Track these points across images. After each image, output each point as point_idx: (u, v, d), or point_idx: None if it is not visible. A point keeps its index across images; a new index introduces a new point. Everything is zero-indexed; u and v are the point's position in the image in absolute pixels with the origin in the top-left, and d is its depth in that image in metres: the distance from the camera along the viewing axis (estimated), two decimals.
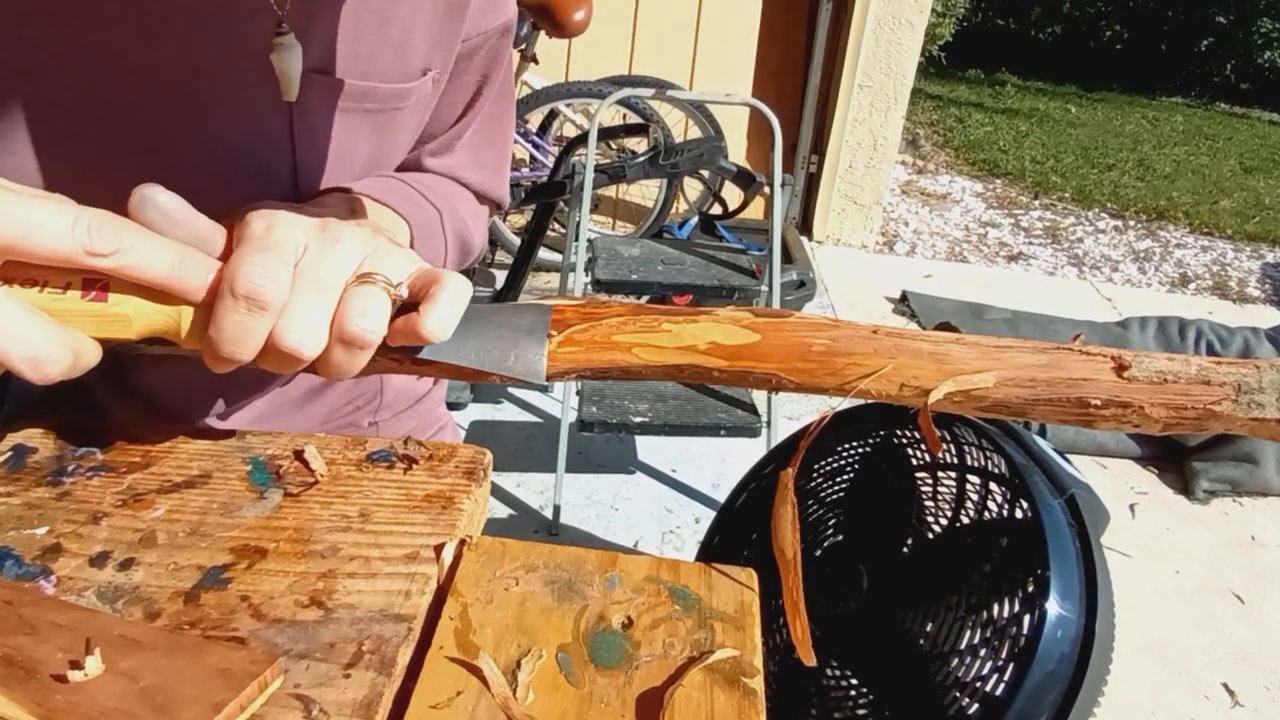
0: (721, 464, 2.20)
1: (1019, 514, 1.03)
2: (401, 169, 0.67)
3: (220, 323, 0.37)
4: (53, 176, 0.47)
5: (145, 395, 0.60)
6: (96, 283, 0.36)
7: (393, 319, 0.41)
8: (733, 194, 2.34)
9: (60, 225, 0.34)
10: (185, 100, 0.49)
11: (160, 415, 0.59)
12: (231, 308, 0.36)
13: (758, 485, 1.37)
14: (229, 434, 0.49)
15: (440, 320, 0.40)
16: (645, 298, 2.69)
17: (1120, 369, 0.42)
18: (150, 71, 0.47)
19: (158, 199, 0.37)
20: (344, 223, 0.41)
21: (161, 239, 0.36)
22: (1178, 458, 2.39)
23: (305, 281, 0.38)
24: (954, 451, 1.14)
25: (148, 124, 0.48)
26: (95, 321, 0.37)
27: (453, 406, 2.26)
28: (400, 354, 0.42)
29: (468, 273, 1.88)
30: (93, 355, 0.37)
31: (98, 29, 0.45)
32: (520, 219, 3.21)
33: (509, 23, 0.64)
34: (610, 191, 3.34)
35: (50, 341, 0.34)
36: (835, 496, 1.24)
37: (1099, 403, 0.42)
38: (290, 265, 0.38)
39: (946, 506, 1.12)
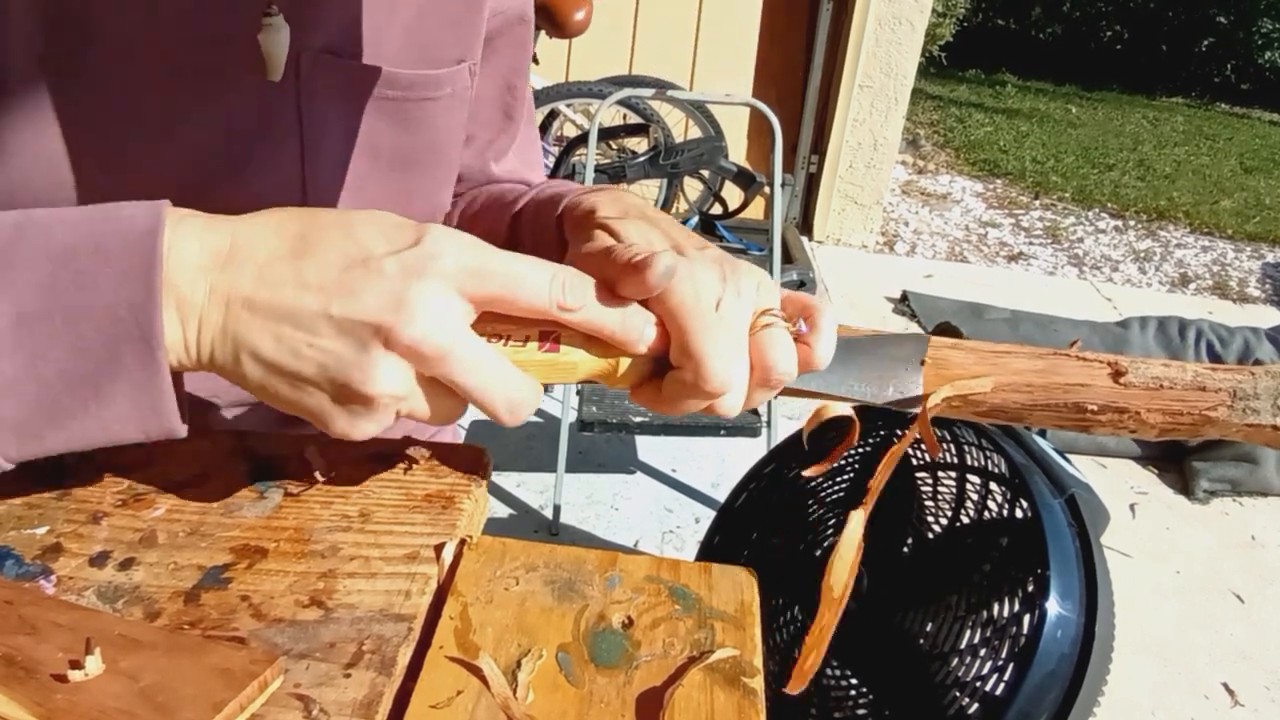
0: (721, 464, 2.20)
1: (1019, 514, 1.03)
2: (467, 175, 0.67)
3: (677, 401, 0.39)
4: (73, 165, 0.47)
5: None
6: (549, 335, 0.39)
7: None
8: (733, 194, 2.35)
9: (541, 281, 0.36)
10: (189, 79, 0.48)
11: None
12: (693, 394, 0.38)
13: (758, 485, 1.37)
14: (229, 434, 0.50)
15: (828, 348, 0.41)
16: None
17: (1117, 375, 0.42)
18: (154, 48, 0.47)
19: (674, 265, 0.38)
20: (734, 259, 0.42)
21: (613, 300, 0.38)
22: (1178, 458, 2.39)
23: (731, 344, 0.39)
24: (954, 451, 1.14)
25: (155, 107, 0.48)
26: (547, 370, 0.39)
27: None
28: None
29: None
30: (539, 397, 0.39)
31: (111, 12, 0.45)
32: None
33: (525, 9, 0.64)
34: None
35: (526, 389, 0.37)
36: (835, 496, 1.24)
37: (1095, 408, 0.42)
38: (724, 329, 0.39)
39: (946, 506, 1.12)
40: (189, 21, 0.47)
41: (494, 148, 0.67)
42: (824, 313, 0.42)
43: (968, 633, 0.99)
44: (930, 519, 1.13)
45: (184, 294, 0.34)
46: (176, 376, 0.36)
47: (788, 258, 2.98)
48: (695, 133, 3.03)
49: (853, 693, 1.09)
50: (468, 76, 0.59)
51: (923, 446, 1.17)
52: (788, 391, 0.43)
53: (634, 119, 2.76)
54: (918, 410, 0.44)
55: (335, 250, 0.35)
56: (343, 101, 0.54)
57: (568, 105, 2.97)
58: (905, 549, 1.12)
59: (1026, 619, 0.95)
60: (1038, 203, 4.83)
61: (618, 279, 0.39)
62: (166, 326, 0.34)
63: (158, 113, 0.48)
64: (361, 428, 0.36)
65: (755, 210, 3.19)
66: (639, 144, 2.64)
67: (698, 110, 2.98)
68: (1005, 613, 0.97)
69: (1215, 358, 2.58)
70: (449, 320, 0.34)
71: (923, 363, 0.43)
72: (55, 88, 0.46)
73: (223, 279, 0.34)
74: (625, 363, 0.40)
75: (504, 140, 0.68)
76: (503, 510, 1.97)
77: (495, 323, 0.38)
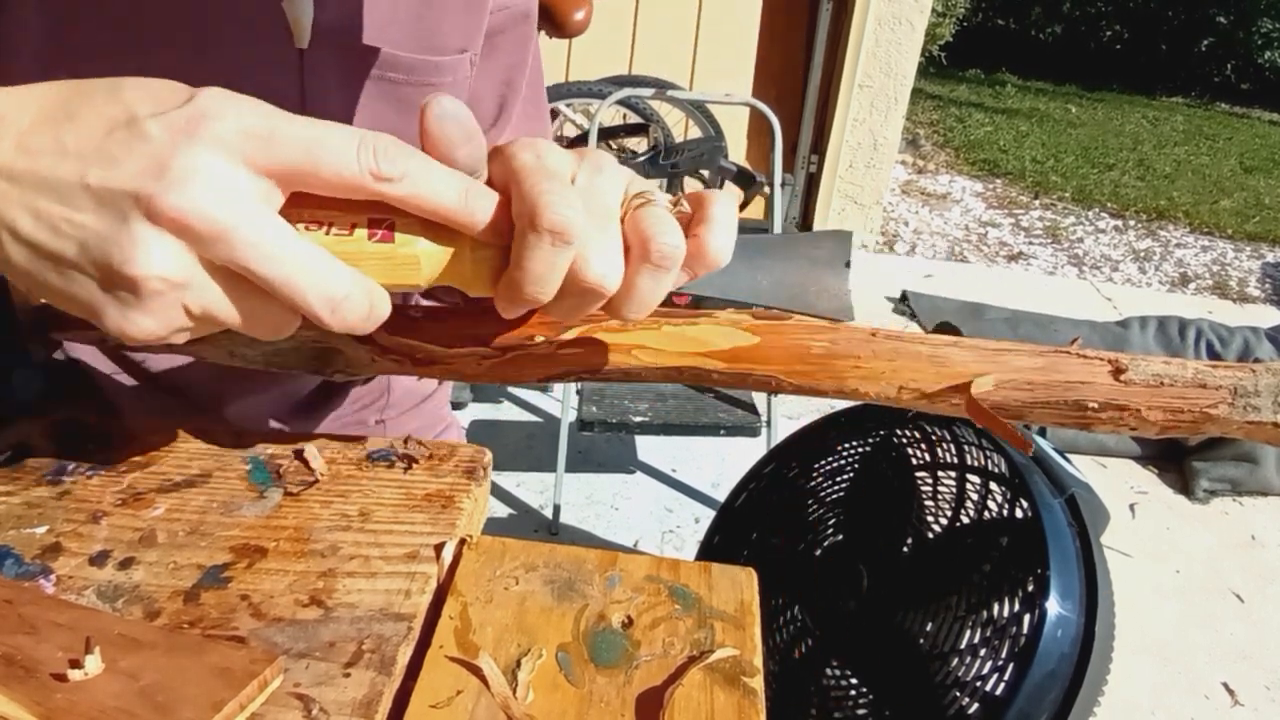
0: (721, 464, 2.20)
1: (1019, 514, 1.03)
2: None
3: (525, 262, 0.33)
4: None
5: (152, 394, 0.60)
6: (382, 223, 0.33)
7: None
8: (733, 194, 2.34)
9: (345, 147, 0.31)
10: (195, 48, 0.48)
11: (167, 414, 0.59)
12: (535, 243, 0.33)
13: (758, 485, 1.37)
14: (229, 434, 0.50)
15: (724, 238, 0.36)
16: None
17: (1117, 372, 0.42)
18: (165, 11, 0.47)
19: (451, 109, 0.33)
20: (591, 148, 0.38)
21: (442, 167, 0.33)
22: (1178, 457, 2.39)
23: (592, 210, 0.34)
24: (954, 451, 1.14)
25: (154, 74, 0.49)
26: (384, 266, 0.34)
27: (454, 406, 2.26)
28: (686, 289, 0.37)
29: None
30: (385, 305, 0.33)
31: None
32: None
33: (530, 6, 0.64)
34: None
35: (347, 282, 0.32)
36: (835, 496, 1.25)
37: (1096, 406, 0.42)
38: (579, 194, 0.34)
39: (946, 506, 1.12)
40: None
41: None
42: (717, 199, 0.36)
43: (968, 633, 0.99)
44: (930, 519, 1.13)
45: None
46: None
47: None
48: (695, 133, 3.03)
49: (853, 693, 1.09)
50: (468, 67, 0.59)
51: (922, 446, 1.18)
52: (697, 298, 0.38)
53: (634, 119, 2.76)
54: (929, 408, 0.44)
55: (98, 115, 0.30)
56: (344, 79, 0.53)
57: (568, 105, 2.97)
58: (905, 549, 1.12)
59: (1026, 619, 0.95)
60: (1038, 202, 4.83)
61: (423, 143, 0.34)
62: None
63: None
64: (136, 321, 0.30)
65: (755, 210, 3.19)
66: (639, 144, 2.64)
67: (698, 110, 2.98)
68: (1005, 613, 0.97)
69: (1215, 357, 2.58)
70: (228, 192, 0.29)
71: (847, 264, 0.39)
72: (58, 57, 0.46)
73: None
74: (478, 254, 0.35)
75: (494, 134, 0.68)
76: (502, 510, 1.97)
77: (313, 208, 0.33)
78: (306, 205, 0.33)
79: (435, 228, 0.34)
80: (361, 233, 0.33)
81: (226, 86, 0.44)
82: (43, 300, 0.32)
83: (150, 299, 0.30)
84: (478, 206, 0.34)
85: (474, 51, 0.59)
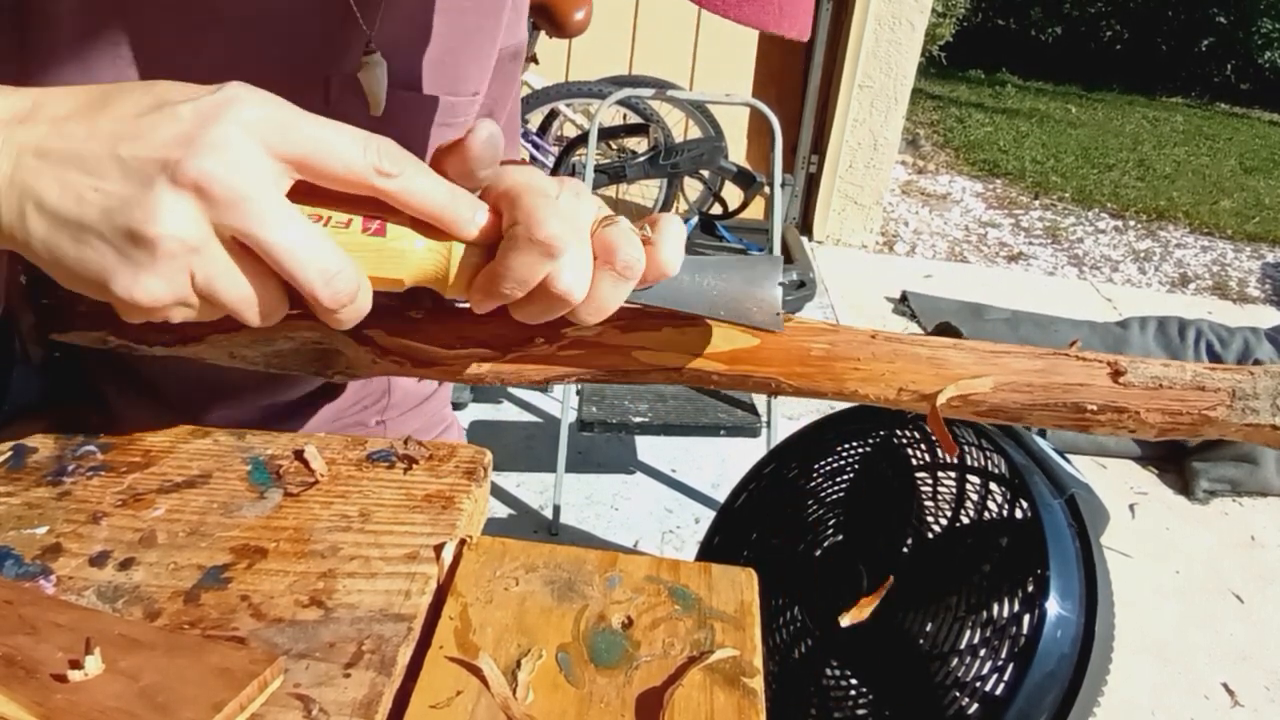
0: (721, 464, 2.20)
1: (1019, 514, 1.03)
2: None
3: (510, 263, 0.37)
4: None
5: (153, 394, 0.60)
6: (375, 218, 0.37)
7: None
8: (733, 194, 2.35)
9: (353, 143, 0.34)
10: None
11: (167, 414, 0.59)
12: (526, 249, 0.36)
13: (758, 485, 1.37)
14: (229, 434, 0.50)
15: (674, 250, 0.40)
16: None
17: (1116, 374, 0.42)
18: (200, 58, 0.48)
19: (497, 135, 0.37)
20: (571, 178, 0.42)
21: (434, 173, 0.37)
22: (1178, 458, 2.39)
23: (571, 227, 0.38)
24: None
25: None
26: (374, 258, 0.37)
27: (454, 406, 2.26)
28: (638, 299, 0.42)
29: None
30: (369, 295, 0.36)
31: (202, 49, 0.46)
32: None
33: (520, 46, 0.66)
34: (610, 191, 3.34)
35: (346, 265, 0.35)
36: (835, 496, 1.25)
37: (1095, 408, 0.42)
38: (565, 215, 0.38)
39: (946, 506, 1.12)
40: (288, 71, 0.48)
41: None
42: (665, 220, 0.41)
43: (968, 633, 0.99)
44: (930, 519, 1.13)
45: None
46: None
47: (788, 258, 2.98)
48: (695, 133, 3.03)
49: (853, 693, 1.09)
50: (476, 107, 0.61)
51: (922, 446, 1.18)
52: (647, 308, 0.43)
53: (634, 119, 2.76)
54: (928, 410, 0.44)
55: (133, 102, 0.33)
56: (370, 125, 0.55)
57: (568, 105, 2.97)
58: (905, 549, 1.12)
59: (1026, 619, 0.95)
60: (1037, 203, 4.83)
61: (444, 165, 0.38)
62: None
63: None
64: (145, 284, 0.32)
65: (755, 210, 3.19)
66: (639, 144, 2.64)
67: (698, 110, 2.98)
68: (1005, 613, 0.97)
69: (1215, 358, 2.58)
70: (246, 167, 0.32)
71: (781, 284, 0.43)
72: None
73: (18, 132, 0.33)
74: (458, 253, 0.38)
75: None
76: (502, 510, 1.97)
77: (315, 199, 0.36)
78: (309, 197, 0.35)
79: (424, 229, 0.37)
80: (356, 225, 0.36)
81: None
82: (51, 282, 0.34)
83: (163, 261, 0.32)
84: (465, 210, 0.37)
85: (484, 93, 0.61)
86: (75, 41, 0.45)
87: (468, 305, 0.41)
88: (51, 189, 0.32)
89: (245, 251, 0.34)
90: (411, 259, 0.37)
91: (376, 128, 0.55)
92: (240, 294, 0.34)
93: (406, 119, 0.56)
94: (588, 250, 0.39)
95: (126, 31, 0.46)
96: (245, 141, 0.32)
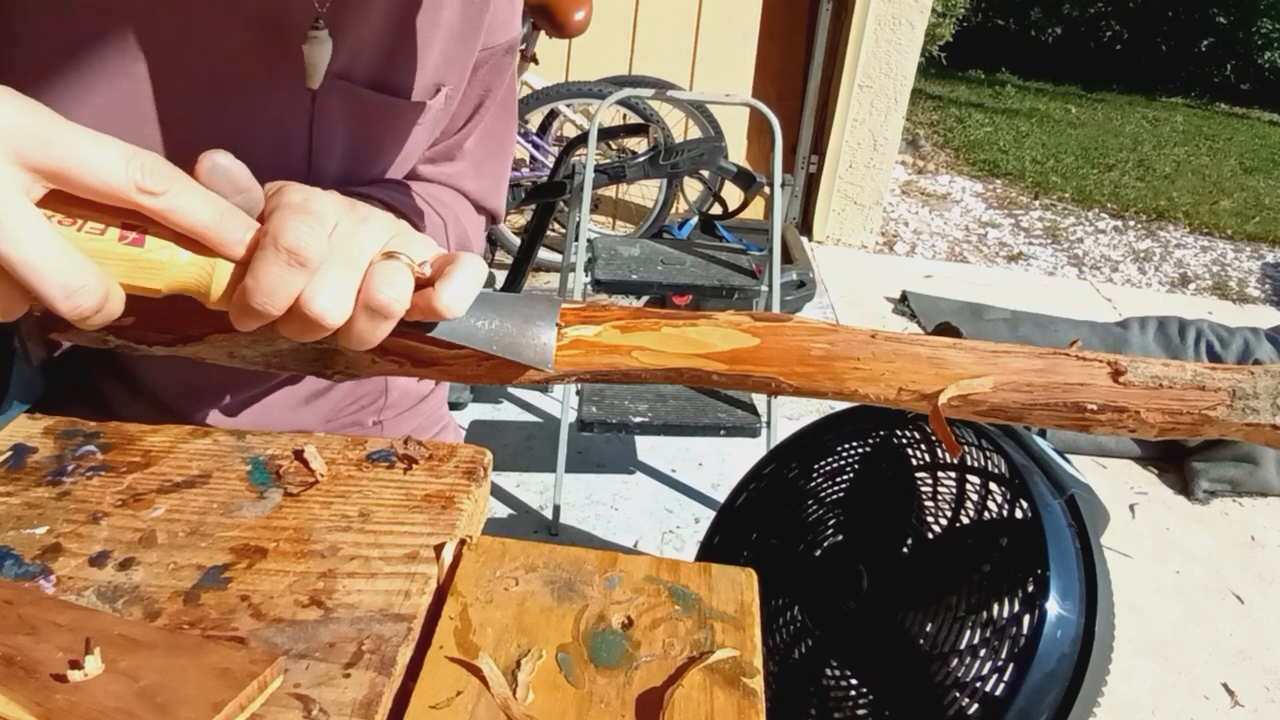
0: (721, 464, 2.20)
1: (1019, 514, 1.03)
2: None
3: (258, 273, 0.37)
4: None
5: (153, 393, 0.60)
6: (135, 228, 0.36)
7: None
8: (733, 194, 2.35)
9: (115, 158, 0.34)
10: (214, 89, 0.50)
11: (167, 413, 0.59)
12: (273, 259, 0.36)
13: (758, 485, 1.37)
14: (229, 434, 0.50)
15: (455, 295, 0.40)
16: (645, 298, 2.69)
17: (1116, 374, 0.42)
18: (187, 55, 0.48)
19: (225, 164, 0.37)
20: (371, 207, 0.42)
21: (205, 191, 0.37)
22: (1178, 458, 2.39)
23: (336, 253, 0.38)
24: None
25: (177, 112, 0.49)
26: (129, 267, 0.36)
27: (453, 406, 2.27)
28: (414, 331, 0.42)
29: None
30: (119, 303, 0.36)
31: (146, 12, 0.46)
32: (520, 219, 3.21)
33: (514, 41, 0.66)
34: (610, 191, 3.34)
35: (85, 273, 0.34)
36: (835, 496, 1.25)
37: (1095, 408, 0.42)
38: (328, 233, 0.38)
39: (946, 506, 1.12)
40: (226, 36, 0.48)
41: (435, 150, 0.69)
42: (460, 263, 0.41)
43: (968, 633, 0.99)
44: (930, 519, 1.13)
45: None
46: None
47: (788, 258, 2.98)
48: (695, 133, 3.03)
49: (853, 693, 1.09)
50: (444, 101, 0.61)
51: (922, 446, 1.18)
52: (416, 366, 0.43)
53: (634, 119, 2.76)
54: (927, 410, 0.44)
55: None
56: (351, 124, 0.56)
57: (567, 105, 2.97)
58: (905, 549, 1.12)
59: (1026, 619, 0.95)
60: (1037, 203, 4.83)
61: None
62: None
63: (176, 119, 0.50)
64: None
65: (755, 210, 3.19)
66: (639, 144, 2.64)
67: (698, 110, 2.97)
68: (1005, 613, 0.97)
69: (1215, 358, 2.58)
70: None
71: (556, 324, 0.44)
72: (68, 87, 0.46)
73: None
74: (223, 271, 0.38)
75: (464, 132, 0.69)
76: (502, 510, 1.97)
77: (71, 205, 0.35)
78: (66, 203, 0.35)
79: (186, 241, 0.37)
80: (113, 234, 0.36)
81: (241, 123, 0.48)
82: None
83: None
84: (231, 228, 0.37)
85: (450, 88, 0.61)
86: (63, 59, 0.46)
87: None
88: None
89: None
90: (170, 271, 0.37)
91: (356, 129, 0.56)
92: None
93: (379, 116, 0.57)
94: (353, 278, 0.39)
95: (111, 37, 0.46)
96: None
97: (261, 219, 0.39)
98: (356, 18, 0.52)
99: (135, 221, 0.36)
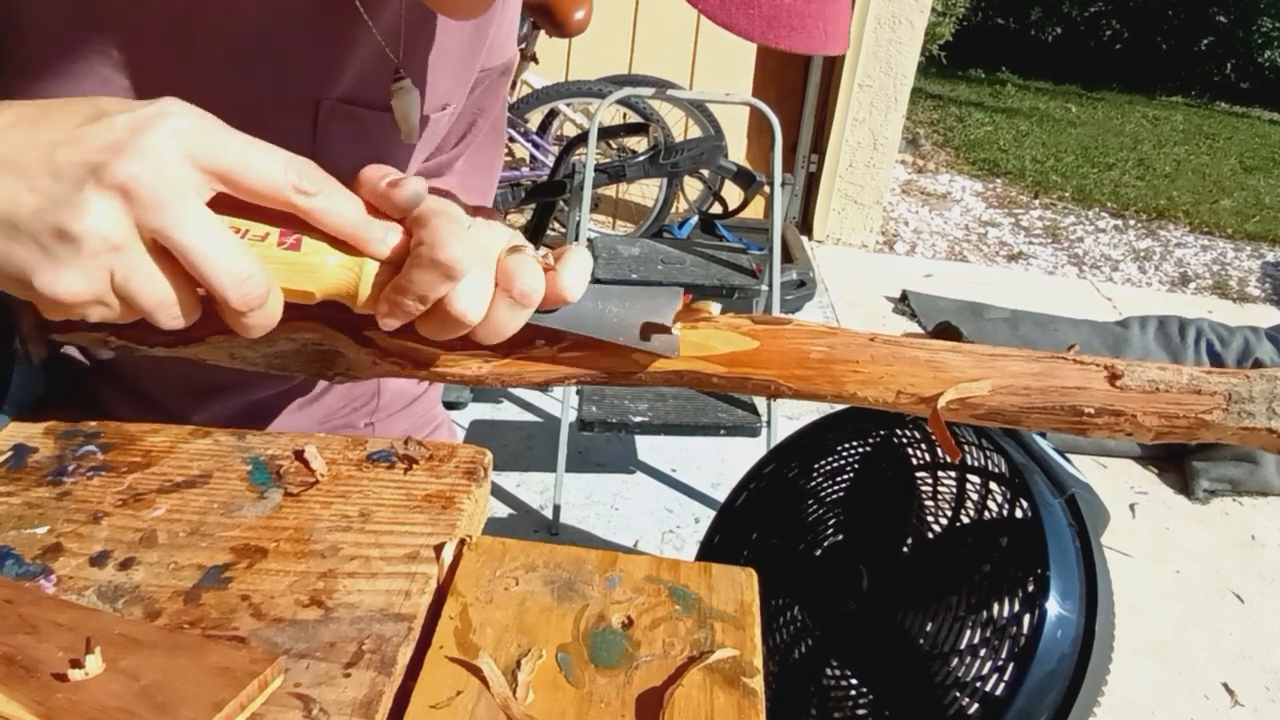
0: (721, 464, 2.20)
1: (1019, 514, 1.03)
2: None
3: (413, 280, 0.39)
4: None
5: (146, 396, 0.60)
6: (292, 235, 0.39)
7: None
8: (733, 193, 2.35)
9: (276, 160, 0.36)
10: (216, 108, 0.50)
11: (161, 415, 0.60)
12: (429, 268, 0.38)
13: (758, 485, 1.37)
14: (229, 434, 0.50)
15: (574, 278, 0.42)
16: None
17: (1113, 378, 0.42)
18: (184, 71, 0.49)
19: (422, 190, 0.40)
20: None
21: (351, 194, 0.39)
22: (1178, 458, 2.39)
23: (473, 252, 0.40)
24: None
25: None
26: (288, 270, 0.39)
27: (453, 406, 2.27)
28: (541, 322, 0.44)
29: None
30: (279, 304, 0.38)
31: (190, 68, 0.48)
32: (520, 218, 3.21)
33: (509, 64, 0.67)
34: (610, 191, 3.34)
35: (258, 273, 0.36)
36: (835, 496, 1.25)
37: (1092, 411, 0.42)
38: (469, 238, 0.40)
39: (946, 506, 1.12)
40: (227, 55, 0.49)
41: (425, 166, 0.69)
42: (574, 249, 0.43)
43: (968, 633, 1.00)
44: (930, 519, 1.13)
45: None
46: None
47: (788, 257, 2.98)
48: (695, 132, 3.03)
49: (853, 693, 1.09)
50: (447, 120, 0.62)
51: (922, 446, 1.18)
52: (546, 331, 0.45)
53: (634, 118, 2.76)
54: (926, 413, 0.44)
55: (73, 113, 0.35)
56: (353, 146, 0.56)
57: (567, 104, 2.97)
58: (905, 549, 1.12)
59: (1026, 619, 0.95)
60: (1037, 202, 4.83)
61: (372, 199, 0.40)
62: None
63: None
64: (65, 279, 0.34)
65: (755, 210, 3.19)
66: (639, 143, 2.64)
67: (697, 110, 2.97)
68: (1005, 613, 0.97)
69: (1215, 357, 2.58)
70: (171, 173, 0.34)
71: (676, 316, 0.44)
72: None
73: None
74: (370, 270, 0.40)
75: (456, 151, 0.70)
76: (503, 510, 1.97)
77: (234, 212, 0.38)
78: (230, 209, 0.37)
79: (340, 246, 0.39)
80: (273, 238, 0.39)
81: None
82: None
83: (86, 258, 0.34)
84: (377, 230, 0.39)
85: (455, 106, 0.62)
86: (61, 59, 0.46)
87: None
88: None
89: (164, 255, 0.35)
90: (323, 273, 0.39)
91: (359, 149, 0.56)
92: (155, 294, 0.36)
93: (383, 135, 0.57)
94: (489, 275, 0.41)
95: (113, 50, 0.46)
96: (172, 151, 0.34)
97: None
98: (362, 40, 0.52)
99: (292, 229, 0.39)
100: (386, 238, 0.39)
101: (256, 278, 0.36)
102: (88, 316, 0.36)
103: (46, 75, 0.46)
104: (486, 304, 0.41)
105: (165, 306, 0.37)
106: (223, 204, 0.37)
